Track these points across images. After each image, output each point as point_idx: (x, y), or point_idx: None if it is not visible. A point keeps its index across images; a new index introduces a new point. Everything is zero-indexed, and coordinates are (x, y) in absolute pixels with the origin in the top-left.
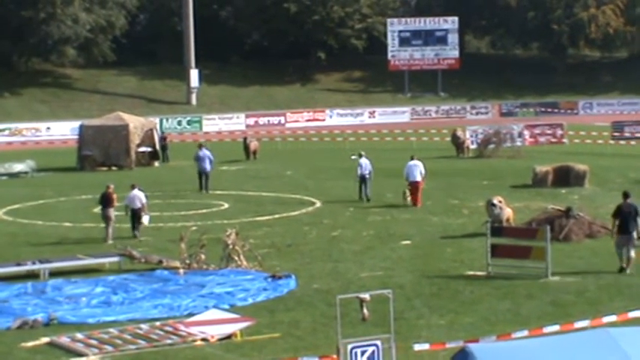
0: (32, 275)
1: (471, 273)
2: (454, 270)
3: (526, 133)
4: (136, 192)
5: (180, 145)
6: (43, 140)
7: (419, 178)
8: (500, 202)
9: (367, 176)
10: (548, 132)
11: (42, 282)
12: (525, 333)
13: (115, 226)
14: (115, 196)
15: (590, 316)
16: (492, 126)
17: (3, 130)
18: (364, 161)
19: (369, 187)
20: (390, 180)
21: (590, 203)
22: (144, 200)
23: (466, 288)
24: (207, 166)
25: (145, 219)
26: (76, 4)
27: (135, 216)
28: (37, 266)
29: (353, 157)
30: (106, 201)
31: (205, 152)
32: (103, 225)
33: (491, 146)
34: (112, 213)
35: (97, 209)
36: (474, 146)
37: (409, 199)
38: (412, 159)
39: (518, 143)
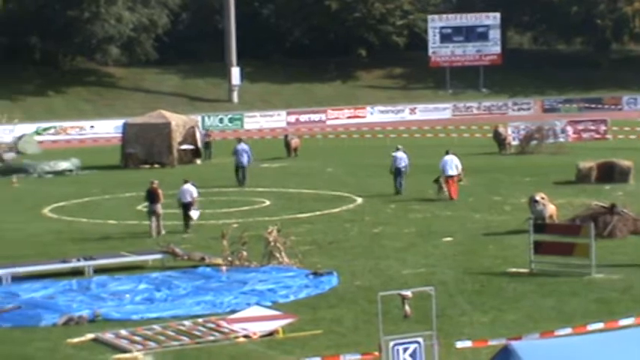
0: (77, 272)
1: (514, 270)
2: (497, 267)
3: (569, 129)
4: (188, 186)
5: (222, 142)
6: (88, 138)
7: (454, 172)
8: (543, 198)
9: (402, 169)
10: (592, 128)
11: (87, 279)
12: (569, 331)
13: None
14: (160, 191)
15: (635, 314)
16: (535, 122)
17: (48, 128)
18: (400, 154)
19: (403, 181)
20: (431, 176)
21: (634, 199)
22: (194, 195)
23: (509, 285)
24: (245, 160)
25: (194, 214)
26: (119, 3)
27: (185, 210)
28: (81, 263)
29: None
30: (152, 197)
31: (243, 146)
32: (146, 222)
33: (534, 142)
34: (159, 208)
35: (142, 206)
36: (516, 142)
37: (445, 192)
38: (447, 153)
39: (561, 139)
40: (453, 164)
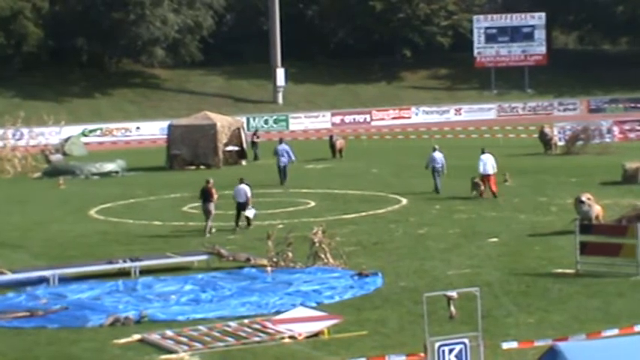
0: (123, 273)
1: (560, 271)
2: (542, 268)
3: (615, 129)
4: (243, 186)
5: (267, 143)
6: (133, 140)
7: (491, 171)
8: (589, 199)
9: (440, 169)
10: (638, 128)
11: (133, 280)
12: (615, 332)
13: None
14: (214, 190)
15: None
16: (580, 122)
17: (94, 130)
18: (437, 155)
19: (439, 180)
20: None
21: None
22: (249, 194)
23: (555, 286)
24: (285, 160)
25: (250, 212)
26: (165, 5)
27: (240, 209)
28: (127, 264)
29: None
30: (206, 195)
31: (284, 147)
32: (192, 223)
33: (580, 143)
34: (213, 207)
35: (188, 207)
36: (561, 143)
37: (480, 190)
38: (483, 152)
39: (607, 139)
40: (489, 163)
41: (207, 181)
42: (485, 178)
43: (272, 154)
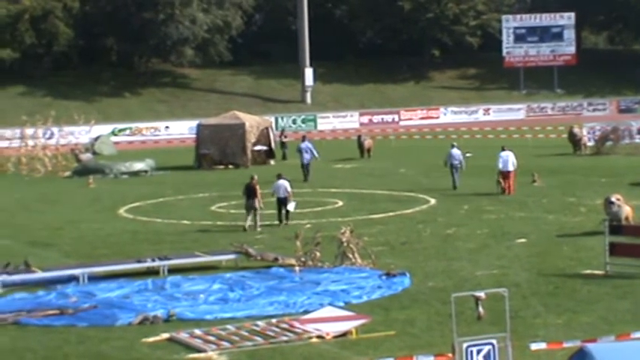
0: (152, 272)
1: (589, 272)
2: (571, 269)
3: None
4: (282, 181)
5: (295, 143)
6: (162, 139)
7: (511, 168)
8: (618, 199)
9: (458, 165)
10: None
11: (161, 279)
12: None
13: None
14: (258, 186)
15: None
16: (610, 122)
17: (124, 129)
18: (455, 151)
19: (457, 176)
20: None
21: None
22: (289, 189)
23: (584, 287)
24: (308, 157)
25: (291, 206)
26: (194, 5)
27: (281, 204)
28: (156, 263)
29: (468, 154)
30: (250, 192)
31: (307, 144)
32: (220, 222)
33: (609, 143)
34: (257, 203)
35: (216, 206)
36: (591, 143)
37: (502, 187)
38: (503, 149)
39: (637, 140)
40: (509, 161)
41: (252, 177)
42: (505, 174)
43: (296, 151)
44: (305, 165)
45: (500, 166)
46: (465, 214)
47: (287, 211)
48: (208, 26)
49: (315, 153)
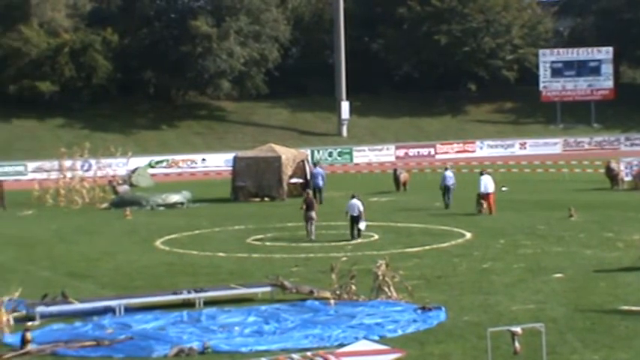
0: (188, 304)
1: (627, 308)
2: (608, 304)
3: None
4: (355, 201)
5: (331, 176)
6: (199, 171)
7: (491, 190)
8: None
9: (451, 187)
10: None
11: (197, 311)
12: None
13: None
14: (315, 200)
15: None
16: None
17: (161, 161)
18: (449, 173)
19: (451, 197)
20: (542, 212)
21: None
22: (361, 208)
23: (621, 323)
24: (320, 182)
25: (362, 225)
26: (231, 38)
27: (353, 222)
28: (192, 295)
29: (504, 188)
30: (309, 204)
31: (319, 170)
32: (255, 255)
33: None
34: (314, 214)
35: (251, 238)
36: (628, 178)
37: (482, 208)
38: (482, 173)
39: None
40: (489, 183)
41: (307, 193)
42: (485, 196)
43: (337, 189)
44: (317, 189)
45: (482, 189)
46: (501, 248)
47: (359, 229)
48: (245, 59)
49: (324, 179)
